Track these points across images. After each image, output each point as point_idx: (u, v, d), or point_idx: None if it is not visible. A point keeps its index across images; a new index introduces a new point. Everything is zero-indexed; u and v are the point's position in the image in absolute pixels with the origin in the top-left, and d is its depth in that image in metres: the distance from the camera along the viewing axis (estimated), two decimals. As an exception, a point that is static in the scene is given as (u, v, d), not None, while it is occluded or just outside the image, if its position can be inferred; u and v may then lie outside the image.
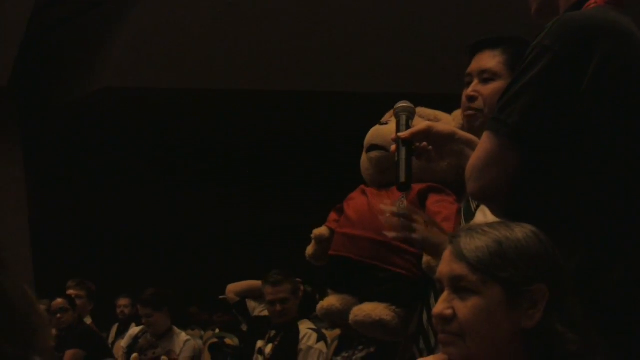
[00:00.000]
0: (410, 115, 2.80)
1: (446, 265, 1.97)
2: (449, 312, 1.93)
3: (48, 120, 11.60)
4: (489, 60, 2.99)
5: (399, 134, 2.71)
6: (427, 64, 9.89)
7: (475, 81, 2.99)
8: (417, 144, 2.70)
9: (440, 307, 1.94)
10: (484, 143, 2.32)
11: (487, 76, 2.97)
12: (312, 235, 3.49)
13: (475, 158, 2.34)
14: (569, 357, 1.90)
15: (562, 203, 2.27)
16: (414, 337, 3.15)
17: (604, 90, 2.25)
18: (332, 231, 3.43)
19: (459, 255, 1.94)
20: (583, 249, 2.22)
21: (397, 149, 2.69)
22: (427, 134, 2.69)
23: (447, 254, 1.98)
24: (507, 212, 2.28)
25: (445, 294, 1.95)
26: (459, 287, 1.93)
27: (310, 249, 3.51)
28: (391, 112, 3.47)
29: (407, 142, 2.69)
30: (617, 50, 2.28)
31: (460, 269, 1.93)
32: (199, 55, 9.80)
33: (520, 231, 1.97)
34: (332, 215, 3.48)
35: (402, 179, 2.66)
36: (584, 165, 2.25)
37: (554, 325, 1.91)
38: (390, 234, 2.87)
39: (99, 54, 10.23)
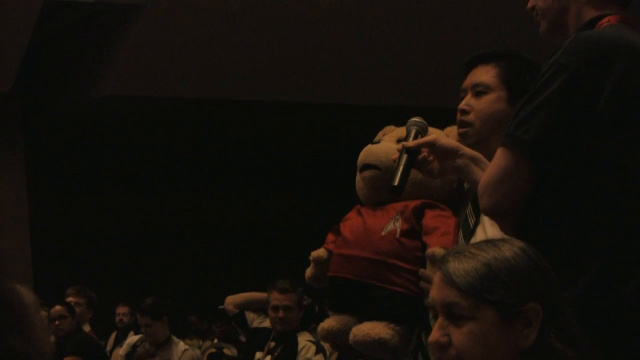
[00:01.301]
0: (421, 131, 2.80)
1: (438, 292, 1.95)
2: (444, 339, 1.91)
3: (50, 126, 11.61)
4: (482, 74, 3.00)
5: (405, 143, 2.72)
6: (426, 77, 9.91)
7: (469, 95, 2.99)
8: (421, 157, 2.70)
9: (435, 334, 1.93)
10: (498, 159, 2.32)
11: (480, 89, 2.97)
12: (311, 258, 3.48)
13: (488, 174, 2.35)
14: None
15: (576, 221, 2.27)
16: (412, 353, 3.15)
17: (620, 109, 2.26)
18: (330, 252, 3.42)
19: (449, 281, 1.92)
20: (595, 268, 2.22)
21: (400, 156, 2.71)
22: (431, 146, 2.69)
23: (437, 279, 1.97)
24: (518, 229, 2.27)
25: (439, 321, 1.94)
26: (452, 313, 1.92)
27: (309, 271, 3.50)
28: (383, 130, 3.48)
29: (411, 152, 2.70)
30: (633, 69, 2.30)
31: (451, 295, 1.92)
32: (201, 65, 9.81)
33: (509, 249, 1.95)
34: (330, 237, 3.47)
35: (395, 182, 2.67)
36: (598, 184, 2.26)
37: (550, 343, 1.90)
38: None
39: (103, 62, 10.24)
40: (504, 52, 3.05)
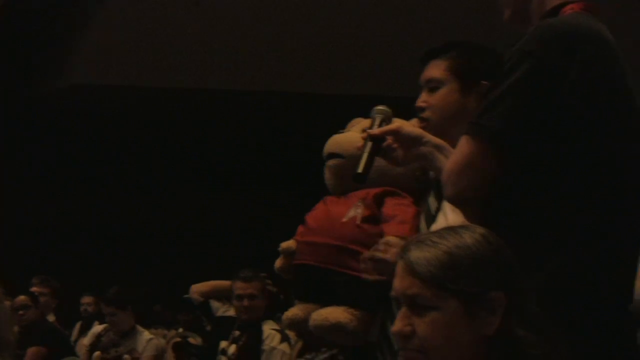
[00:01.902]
0: (386, 119, 2.82)
1: (400, 282, 1.94)
2: (408, 329, 1.91)
3: (16, 116, 11.53)
4: (434, 69, 3.04)
5: (369, 131, 2.74)
6: (410, 67, 9.89)
7: (424, 91, 3.04)
8: (385, 144, 2.72)
9: (399, 324, 1.92)
10: (462, 147, 2.33)
11: (432, 85, 3.02)
12: (280, 249, 3.50)
13: (452, 162, 2.35)
14: None
15: (540, 208, 2.28)
16: (377, 344, 3.16)
17: (584, 96, 2.27)
18: None
19: (411, 271, 1.91)
20: (560, 254, 2.23)
21: (364, 144, 2.72)
22: (396, 133, 2.70)
23: (399, 269, 1.96)
24: (483, 217, 2.28)
25: (402, 311, 1.93)
26: (416, 303, 1.91)
27: (278, 262, 3.52)
28: (351, 122, 3.50)
29: (376, 140, 2.71)
30: (597, 56, 2.31)
31: (414, 285, 1.91)
32: (167, 53, 9.78)
33: (470, 236, 1.94)
34: (300, 228, 3.48)
35: (359, 169, 2.68)
36: (562, 170, 2.27)
37: (514, 330, 1.90)
38: (370, 277, 2.89)
39: (69, 51, 10.18)
40: (452, 43, 3.09)
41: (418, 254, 1.92)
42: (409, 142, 2.68)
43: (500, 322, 1.90)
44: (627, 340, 2.32)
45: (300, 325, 3.32)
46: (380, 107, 2.86)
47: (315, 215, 3.35)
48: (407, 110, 3.12)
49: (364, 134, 2.76)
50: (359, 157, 2.72)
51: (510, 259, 1.96)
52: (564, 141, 2.27)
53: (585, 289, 2.24)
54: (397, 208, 3.17)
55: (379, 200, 3.21)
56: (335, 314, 3.14)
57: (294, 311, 3.32)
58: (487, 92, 2.36)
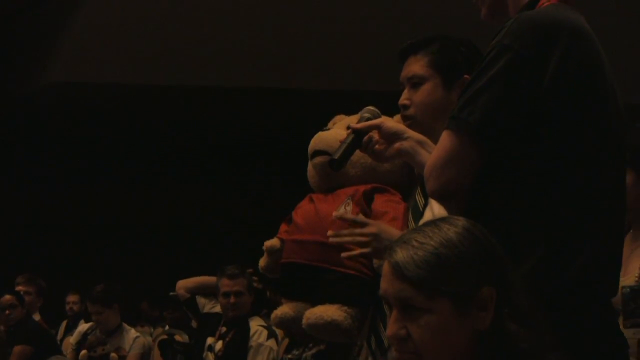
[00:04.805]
0: (373, 118, 2.84)
1: (389, 285, 1.93)
2: (403, 332, 1.90)
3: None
4: (414, 65, 3.04)
5: (352, 125, 2.77)
6: (394, 62, 9.87)
7: (407, 88, 3.03)
8: (366, 138, 2.73)
9: (393, 328, 1.92)
10: (444, 141, 2.33)
11: (415, 81, 3.02)
12: (264, 247, 3.48)
13: (434, 157, 2.35)
14: (521, 355, 1.90)
15: (522, 201, 2.28)
16: (366, 338, 3.16)
17: (564, 88, 2.27)
18: (283, 242, 3.43)
19: (400, 275, 1.90)
20: (542, 247, 2.24)
21: (347, 136, 2.76)
22: (378, 128, 2.71)
23: (387, 270, 1.94)
24: (465, 211, 2.27)
25: (394, 314, 1.93)
26: (407, 306, 1.90)
27: (262, 261, 3.51)
28: (334, 119, 3.51)
29: (358, 133, 2.74)
30: (576, 48, 2.31)
31: (404, 289, 1.90)
32: (148, 50, 9.75)
33: (454, 232, 1.93)
34: (283, 227, 3.47)
35: (336, 156, 2.73)
36: (543, 163, 2.27)
37: (505, 324, 1.91)
38: (334, 240, 2.90)
39: (49, 48, 10.14)
40: (431, 37, 3.09)
41: (405, 256, 1.91)
42: (391, 137, 2.68)
43: (492, 316, 1.90)
44: (612, 334, 2.33)
45: (289, 323, 3.31)
46: (369, 108, 2.88)
47: (303, 213, 3.34)
48: (391, 106, 3.12)
49: (349, 130, 2.77)
50: (339, 147, 2.75)
51: (497, 250, 1.96)
52: (545, 134, 2.27)
53: (568, 282, 2.24)
54: (388, 204, 3.17)
55: (368, 197, 3.21)
56: (329, 312, 3.14)
57: (284, 309, 3.32)
58: (466, 86, 2.35)
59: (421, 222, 2.90)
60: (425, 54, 3.03)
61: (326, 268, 3.17)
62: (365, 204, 3.20)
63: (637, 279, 3.49)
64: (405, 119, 3.01)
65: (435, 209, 2.89)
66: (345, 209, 3.18)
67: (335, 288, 3.16)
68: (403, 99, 3.02)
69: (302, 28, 9.79)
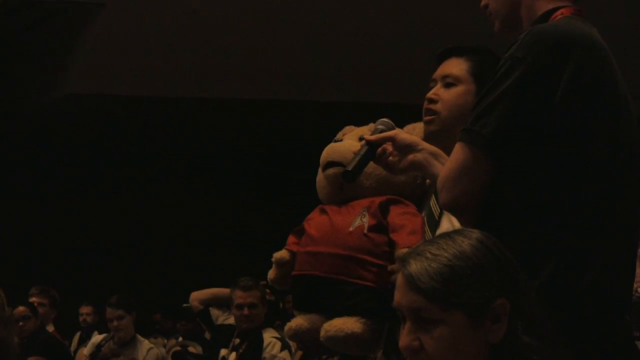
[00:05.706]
0: (386, 130, 2.82)
1: (403, 296, 1.93)
2: (416, 343, 1.90)
3: (12, 126, 11.52)
4: (453, 66, 3.01)
5: (366, 137, 2.76)
6: (402, 75, 9.89)
7: (438, 85, 3.00)
8: (380, 150, 2.72)
9: (406, 339, 1.91)
10: (457, 154, 2.33)
11: (449, 80, 2.98)
12: (273, 259, 3.46)
13: (447, 169, 2.35)
14: None
15: (535, 214, 2.28)
16: (384, 350, 3.15)
17: (576, 101, 2.27)
18: (292, 254, 3.40)
19: (414, 286, 1.90)
20: (554, 260, 2.23)
21: (360, 148, 2.75)
22: (392, 140, 2.70)
23: (400, 282, 1.94)
24: (478, 223, 2.27)
25: (408, 325, 1.92)
26: (421, 317, 1.90)
27: (271, 273, 3.47)
28: (343, 130, 3.50)
29: (371, 145, 2.73)
30: (589, 61, 2.31)
31: (417, 301, 1.90)
32: (163, 63, 9.78)
33: (468, 244, 1.93)
34: (291, 238, 3.44)
35: (350, 167, 2.71)
36: (556, 175, 2.27)
37: (518, 337, 1.90)
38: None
39: (64, 60, 10.17)
40: (477, 47, 3.06)
41: (418, 268, 1.91)
42: (404, 148, 2.67)
43: (506, 329, 1.90)
44: (626, 346, 2.32)
45: (304, 336, 3.29)
46: (383, 120, 2.86)
47: (317, 225, 3.32)
48: (400, 117, 3.11)
49: (363, 142, 2.77)
50: (352, 158, 2.74)
51: (511, 262, 1.96)
52: (557, 146, 2.27)
53: (581, 295, 2.24)
54: (405, 217, 3.16)
55: (384, 209, 3.20)
56: (348, 324, 3.12)
57: (298, 321, 3.29)
58: (479, 99, 2.35)
59: (439, 231, 2.89)
60: (468, 60, 3.00)
61: (343, 280, 3.16)
62: (381, 215, 3.19)
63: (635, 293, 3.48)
64: (428, 112, 2.97)
65: (453, 219, 2.88)
66: (362, 221, 3.17)
67: (353, 300, 3.15)
68: (432, 93, 2.98)
69: (314, 41, 9.81)
